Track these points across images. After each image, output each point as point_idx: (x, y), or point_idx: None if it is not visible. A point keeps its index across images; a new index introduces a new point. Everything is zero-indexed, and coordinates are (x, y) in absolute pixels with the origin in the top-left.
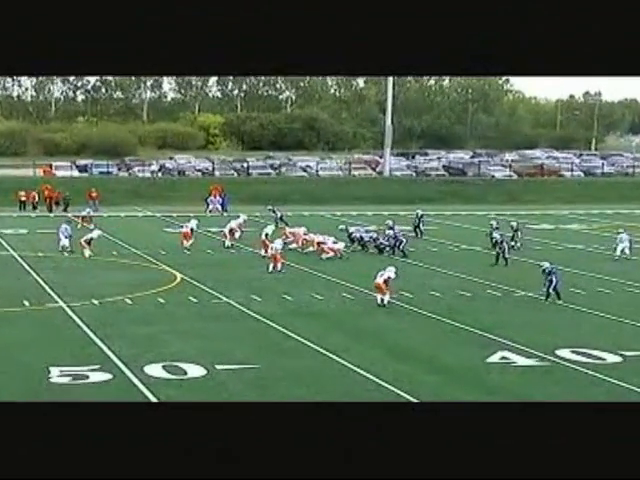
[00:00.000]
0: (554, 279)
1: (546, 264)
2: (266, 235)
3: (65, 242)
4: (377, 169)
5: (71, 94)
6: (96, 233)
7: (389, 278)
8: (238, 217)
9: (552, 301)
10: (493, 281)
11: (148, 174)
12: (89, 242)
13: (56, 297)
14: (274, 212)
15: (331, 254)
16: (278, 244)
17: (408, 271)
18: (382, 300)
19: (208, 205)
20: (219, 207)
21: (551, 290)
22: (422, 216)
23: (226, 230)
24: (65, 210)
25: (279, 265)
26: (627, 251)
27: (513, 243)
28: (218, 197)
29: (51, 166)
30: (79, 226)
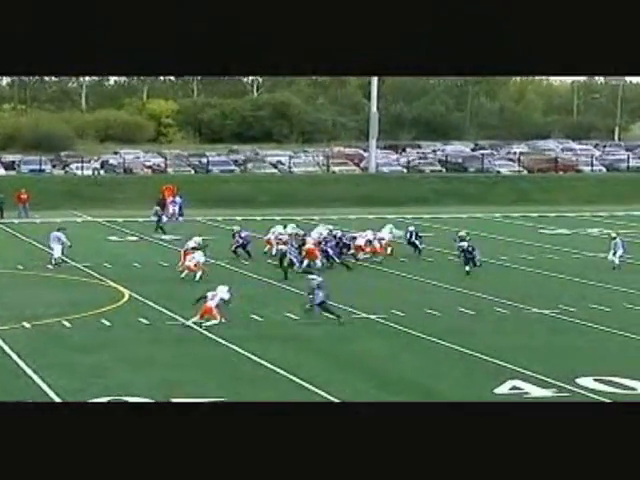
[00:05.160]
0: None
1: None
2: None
3: (58, 253)
4: (361, 164)
5: None
6: None
7: (222, 300)
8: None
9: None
10: (500, 296)
11: (88, 172)
12: None
13: None
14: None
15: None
16: (199, 256)
17: (399, 285)
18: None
19: (171, 208)
20: (177, 209)
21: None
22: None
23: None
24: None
25: (199, 273)
26: None
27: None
28: (170, 198)
29: None
30: None
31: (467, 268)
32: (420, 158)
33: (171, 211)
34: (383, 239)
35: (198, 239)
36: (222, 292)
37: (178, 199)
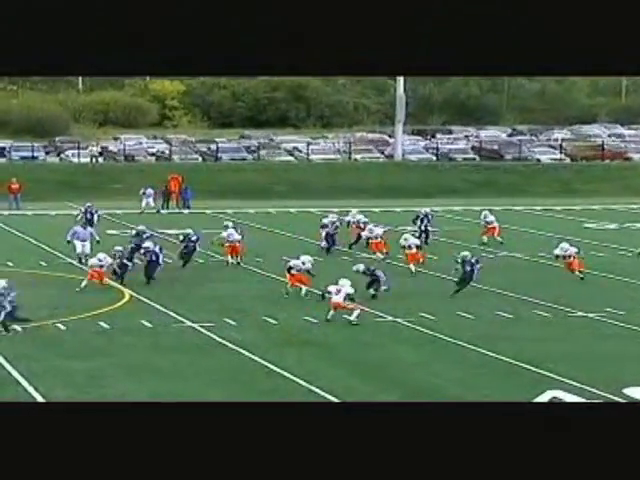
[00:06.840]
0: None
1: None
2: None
3: (87, 248)
4: (386, 152)
5: None
6: None
7: (348, 296)
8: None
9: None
10: (541, 298)
11: (85, 159)
12: None
13: None
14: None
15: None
16: (94, 259)
17: (429, 286)
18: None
19: (144, 200)
20: (151, 202)
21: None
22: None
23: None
24: None
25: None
26: None
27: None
28: (142, 190)
29: None
30: None
31: (371, 291)
32: (451, 145)
33: (144, 204)
34: None
35: (102, 254)
36: (346, 287)
37: (150, 190)
